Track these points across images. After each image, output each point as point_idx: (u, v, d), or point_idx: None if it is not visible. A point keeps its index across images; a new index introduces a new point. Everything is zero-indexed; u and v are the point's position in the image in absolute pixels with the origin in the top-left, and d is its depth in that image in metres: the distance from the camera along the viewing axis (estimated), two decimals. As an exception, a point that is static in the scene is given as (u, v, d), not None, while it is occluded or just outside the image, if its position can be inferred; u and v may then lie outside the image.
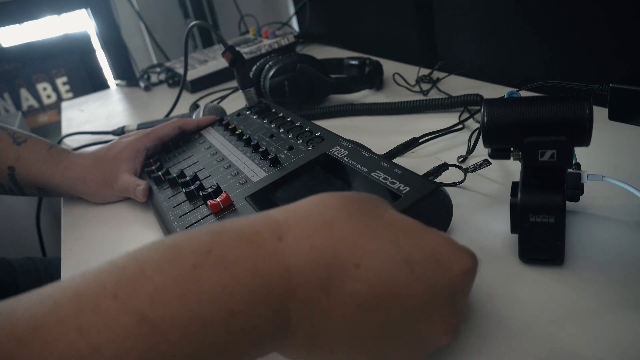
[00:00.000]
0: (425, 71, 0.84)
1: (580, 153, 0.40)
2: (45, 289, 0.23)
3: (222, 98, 0.96)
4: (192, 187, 0.53)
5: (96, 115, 1.11)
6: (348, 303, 0.26)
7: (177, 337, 0.23)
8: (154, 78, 1.28)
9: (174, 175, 0.57)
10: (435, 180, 0.49)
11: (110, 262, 0.25)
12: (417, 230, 0.29)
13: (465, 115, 0.66)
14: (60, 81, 1.84)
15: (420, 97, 0.77)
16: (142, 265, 0.24)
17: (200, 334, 0.23)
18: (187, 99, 1.04)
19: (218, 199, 0.48)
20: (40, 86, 1.83)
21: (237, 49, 0.74)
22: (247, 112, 0.70)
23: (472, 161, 0.54)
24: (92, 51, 1.82)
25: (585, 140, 0.34)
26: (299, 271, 0.26)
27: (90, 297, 0.23)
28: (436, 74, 0.83)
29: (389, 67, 0.90)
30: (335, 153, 0.49)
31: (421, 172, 0.46)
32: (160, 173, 0.60)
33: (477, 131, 0.60)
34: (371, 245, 0.27)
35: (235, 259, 0.25)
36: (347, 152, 0.49)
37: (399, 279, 0.27)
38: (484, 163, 0.50)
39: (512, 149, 0.37)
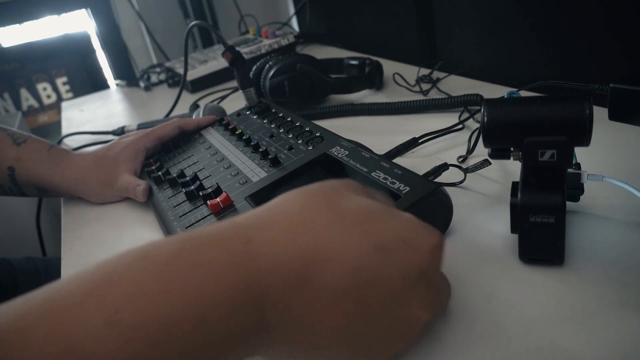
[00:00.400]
0: (425, 71, 0.84)
1: (580, 153, 0.40)
2: (16, 299, 0.23)
3: (222, 98, 0.96)
4: (192, 187, 0.53)
5: (96, 115, 1.11)
6: (324, 298, 0.27)
7: (147, 340, 0.23)
8: (154, 78, 1.28)
9: (174, 175, 0.57)
10: (435, 180, 0.49)
11: (81, 271, 0.25)
12: (383, 214, 0.30)
13: (465, 115, 0.66)
14: (60, 81, 1.84)
15: (420, 97, 0.77)
16: (110, 272, 0.25)
17: (172, 336, 0.23)
18: (187, 99, 1.04)
19: (218, 199, 0.48)
20: (40, 86, 1.83)
21: (237, 49, 0.74)
22: (247, 112, 0.70)
23: (472, 161, 0.54)
24: (92, 51, 1.82)
25: (585, 140, 0.34)
26: (270, 272, 0.26)
27: (58, 302, 0.23)
28: (436, 74, 0.83)
29: (389, 67, 0.90)
30: (335, 153, 0.49)
31: (421, 172, 0.46)
32: (160, 173, 0.60)
33: (477, 131, 0.60)
34: (340, 237, 0.28)
35: (205, 261, 0.25)
36: (347, 152, 0.49)
37: (371, 266, 0.27)
38: (484, 163, 0.50)
39: (512, 149, 0.37)
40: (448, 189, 0.43)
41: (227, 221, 0.29)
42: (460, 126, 0.63)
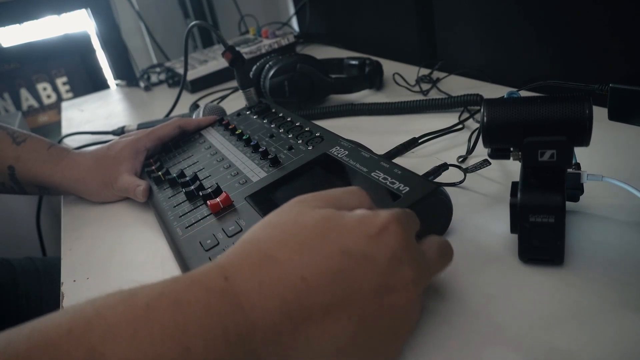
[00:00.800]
0: (425, 71, 0.84)
1: (580, 153, 0.40)
2: (5, 332, 0.24)
3: (222, 98, 0.96)
4: (192, 187, 0.53)
5: (96, 115, 1.11)
6: (313, 319, 0.27)
7: None
8: (154, 78, 1.28)
9: (174, 175, 0.57)
10: (435, 180, 0.49)
11: (69, 306, 0.26)
12: (338, 219, 0.31)
13: (465, 115, 0.66)
14: (60, 81, 1.84)
15: (420, 97, 0.77)
16: (98, 307, 0.26)
17: None
18: (187, 99, 1.04)
19: (218, 199, 0.48)
20: (40, 86, 1.83)
21: (237, 49, 0.74)
22: (247, 112, 0.70)
23: (472, 161, 0.54)
24: (92, 51, 1.82)
25: (585, 140, 0.34)
26: (252, 308, 0.27)
27: (44, 333, 0.24)
28: (436, 74, 0.83)
29: (389, 67, 0.90)
30: (335, 153, 0.49)
31: (421, 172, 0.46)
32: (160, 173, 0.60)
33: (477, 131, 0.60)
34: (308, 255, 0.28)
35: (188, 300, 0.26)
36: (347, 152, 0.49)
37: (345, 269, 0.28)
38: (484, 163, 0.50)
39: (512, 149, 0.37)
40: (448, 189, 0.43)
41: (208, 263, 0.30)
42: (460, 126, 0.63)
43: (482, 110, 0.36)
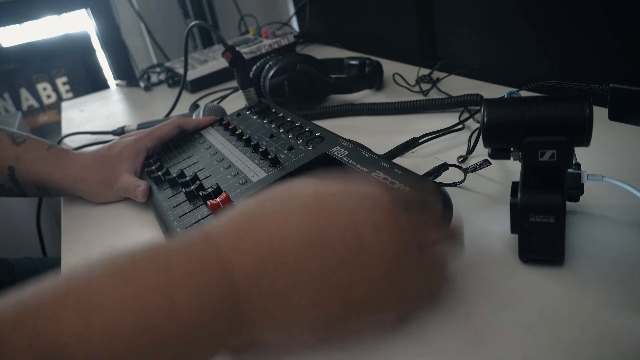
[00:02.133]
0: (425, 71, 0.84)
1: (580, 153, 0.40)
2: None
3: (222, 98, 0.96)
4: (192, 187, 0.53)
5: (96, 115, 1.11)
6: (289, 259, 0.29)
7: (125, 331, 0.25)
8: (154, 78, 1.28)
9: (174, 175, 0.57)
10: (435, 180, 0.49)
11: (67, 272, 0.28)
12: (336, 195, 0.32)
13: (465, 115, 0.66)
14: (60, 81, 1.84)
15: (420, 97, 0.77)
16: (84, 270, 0.27)
17: (146, 325, 0.25)
18: (187, 99, 1.04)
19: (218, 199, 0.48)
20: (40, 86, 1.82)
21: (237, 49, 0.74)
22: (247, 112, 0.70)
23: (472, 161, 0.54)
24: (92, 51, 1.82)
25: (585, 140, 0.34)
26: (230, 259, 0.28)
27: (33, 298, 0.26)
28: (436, 74, 0.83)
29: (389, 67, 0.90)
30: (335, 153, 0.49)
31: (421, 172, 0.46)
32: (160, 173, 0.60)
33: (477, 131, 0.60)
34: (290, 224, 0.30)
35: (172, 254, 0.28)
36: (347, 152, 0.49)
37: (327, 238, 0.29)
38: (484, 163, 0.50)
39: (512, 149, 0.37)
40: (448, 189, 0.43)
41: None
42: (460, 126, 0.63)
43: (482, 110, 0.36)
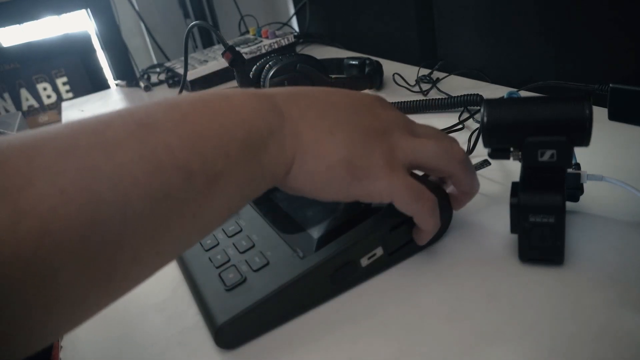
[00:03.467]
0: (425, 71, 0.84)
1: (580, 153, 0.40)
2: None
3: (222, 98, 0.96)
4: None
5: (96, 116, 1.11)
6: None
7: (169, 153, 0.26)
8: (154, 78, 1.28)
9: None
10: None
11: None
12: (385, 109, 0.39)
13: (465, 115, 0.66)
14: (60, 81, 1.84)
15: (420, 97, 0.77)
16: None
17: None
18: (187, 99, 1.04)
19: (218, 199, 0.48)
20: (40, 86, 1.82)
21: (237, 49, 0.74)
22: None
23: (472, 161, 0.54)
24: (92, 51, 1.82)
25: (585, 140, 0.34)
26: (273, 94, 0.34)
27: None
28: (436, 74, 0.83)
29: (389, 67, 0.90)
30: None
31: (421, 172, 0.46)
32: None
33: (477, 131, 0.60)
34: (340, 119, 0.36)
35: (229, 93, 0.32)
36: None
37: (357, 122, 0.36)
38: (484, 163, 0.50)
39: (511, 149, 0.37)
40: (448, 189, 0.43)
41: None
42: (460, 126, 0.63)
43: (482, 110, 0.36)
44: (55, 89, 1.85)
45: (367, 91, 0.83)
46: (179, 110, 0.28)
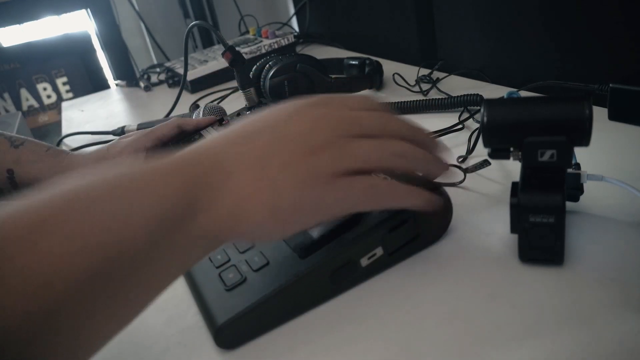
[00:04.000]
0: (425, 71, 0.84)
1: (580, 153, 0.40)
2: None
3: (222, 98, 0.96)
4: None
5: (96, 116, 1.11)
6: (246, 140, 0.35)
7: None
8: (154, 78, 1.28)
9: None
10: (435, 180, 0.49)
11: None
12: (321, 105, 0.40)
13: (465, 115, 0.66)
14: (60, 81, 1.84)
15: (420, 97, 0.77)
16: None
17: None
18: (187, 99, 1.04)
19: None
20: (40, 86, 1.83)
21: (237, 49, 0.74)
22: (247, 112, 0.70)
23: (472, 161, 0.54)
24: (92, 51, 1.82)
25: (585, 140, 0.34)
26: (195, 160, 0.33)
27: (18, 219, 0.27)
28: (436, 74, 0.83)
29: (389, 67, 0.90)
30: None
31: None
32: (160, 173, 0.59)
33: (477, 131, 0.60)
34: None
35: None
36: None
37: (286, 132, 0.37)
38: (484, 163, 0.50)
39: (511, 149, 0.37)
40: (448, 189, 0.43)
41: None
42: (460, 126, 0.63)
43: (482, 110, 0.36)
44: (55, 89, 1.85)
45: (367, 91, 0.83)
46: (87, 196, 0.28)
